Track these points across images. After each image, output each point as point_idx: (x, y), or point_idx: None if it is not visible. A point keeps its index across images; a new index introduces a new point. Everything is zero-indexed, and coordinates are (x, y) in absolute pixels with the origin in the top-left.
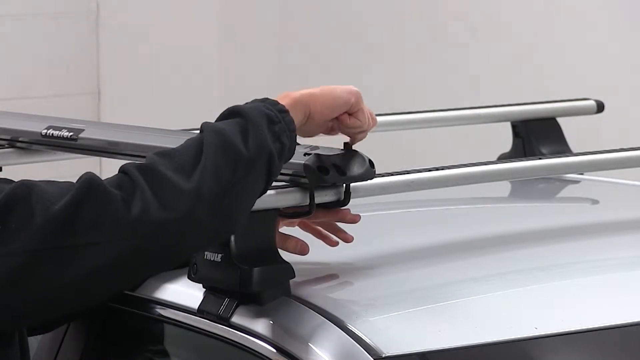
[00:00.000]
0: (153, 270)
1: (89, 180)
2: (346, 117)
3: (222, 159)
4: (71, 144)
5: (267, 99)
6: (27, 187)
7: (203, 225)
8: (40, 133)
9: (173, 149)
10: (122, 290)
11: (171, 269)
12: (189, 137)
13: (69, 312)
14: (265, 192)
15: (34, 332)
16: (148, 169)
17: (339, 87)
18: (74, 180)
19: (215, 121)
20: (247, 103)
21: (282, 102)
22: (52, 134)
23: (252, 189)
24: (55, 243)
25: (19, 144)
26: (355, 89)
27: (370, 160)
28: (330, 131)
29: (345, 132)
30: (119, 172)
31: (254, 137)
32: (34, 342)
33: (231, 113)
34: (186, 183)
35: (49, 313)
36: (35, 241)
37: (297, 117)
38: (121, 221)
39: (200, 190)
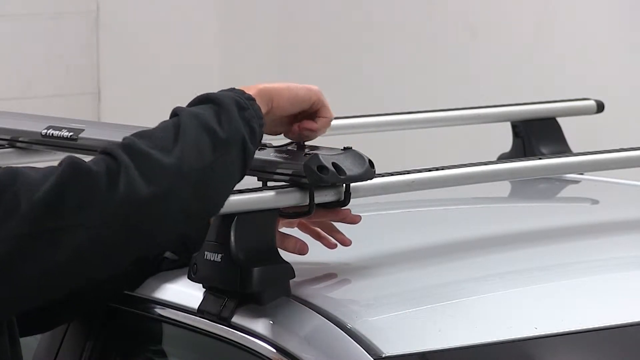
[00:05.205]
0: (140, 250)
1: (72, 163)
2: (311, 123)
3: (201, 140)
4: (71, 144)
5: (234, 88)
6: (11, 174)
7: (186, 203)
8: (40, 133)
9: (150, 130)
10: (112, 273)
11: (157, 251)
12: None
13: (60, 296)
14: (242, 178)
15: (32, 332)
16: (131, 148)
17: (300, 85)
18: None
19: (187, 107)
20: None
21: (249, 92)
22: (52, 134)
23: (229, 172)
24: (42, 226)
25: (18, 144)
26: (316, 87)
27: (370, 160)
28: (291, 133)
29: (309, 133)
30: (100, 153)
31: (227, 121)
32: (34, 342)
33: (202, 100)
34: (168, 160)
35: (41, 298)
36: (23, 226)
37: (262, 107)
38: (108, 200)
39: (182, 167)
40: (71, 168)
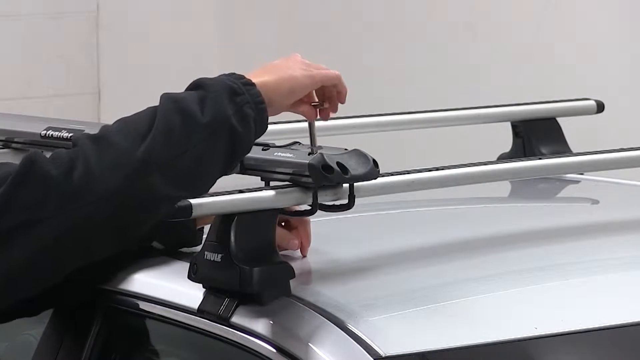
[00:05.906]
0: (114, 240)
1: (30, 159)
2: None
3: (176, 124)
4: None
5: (233, 73)
6: None
7: (156, 190)
8: (40, 134)
9: (130, 116)
10: (86, 262)
11: (136, 241)
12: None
13: (31, 292)
14: (234, 165)
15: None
16: (98, 138)
17: (297, 75)
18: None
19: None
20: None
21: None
22: (52, 134)
23: (212, 156)
24: (2, 226)
25: (15, 145)
26: (306, 81)
27: (374, 160)
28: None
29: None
30: (72, 143)
31: (211, 105)
32: (34, 342)
33: (194, 86)
34: (136, 148)
35: (10, 295)
36: None
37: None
38: (63, 193)
39: (150, 154)
40: (29, 165)
